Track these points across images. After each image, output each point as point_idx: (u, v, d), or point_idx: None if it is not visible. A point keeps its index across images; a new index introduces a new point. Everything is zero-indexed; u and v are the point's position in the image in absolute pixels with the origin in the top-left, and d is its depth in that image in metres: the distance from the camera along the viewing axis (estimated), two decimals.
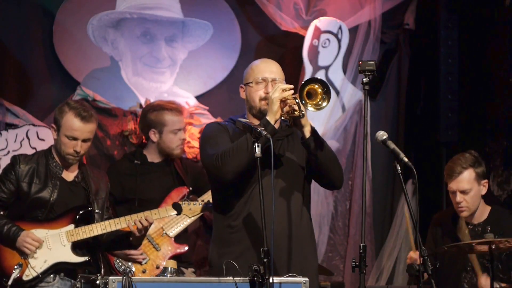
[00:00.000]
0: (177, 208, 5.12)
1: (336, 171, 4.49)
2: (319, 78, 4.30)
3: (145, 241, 5.84)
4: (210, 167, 4.42)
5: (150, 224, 5.03)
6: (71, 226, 5.01)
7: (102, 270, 5.11)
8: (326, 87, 4.27)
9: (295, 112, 4.28)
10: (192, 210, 5.22)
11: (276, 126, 4.33)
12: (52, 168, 5.08)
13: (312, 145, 4.36)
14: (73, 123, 5.03)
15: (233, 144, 4.34)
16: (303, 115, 4.26)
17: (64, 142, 5.05)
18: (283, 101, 4.30)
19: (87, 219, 5.06)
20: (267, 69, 4.53)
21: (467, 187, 5.23)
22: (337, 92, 7.05)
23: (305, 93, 4.24)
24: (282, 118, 4.37)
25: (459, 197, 5.24)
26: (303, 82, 4.28)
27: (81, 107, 5.11)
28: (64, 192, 5.07)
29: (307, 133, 4.35)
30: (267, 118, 4.29)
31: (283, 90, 4.30)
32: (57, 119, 5.09)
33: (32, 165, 5.06)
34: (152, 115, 6.08)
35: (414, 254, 5.27)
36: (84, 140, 5.07)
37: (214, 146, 4.40)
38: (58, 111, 5.11)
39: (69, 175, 5.14)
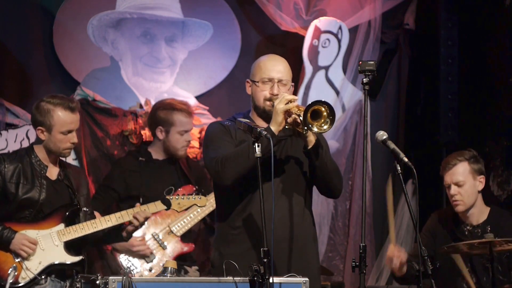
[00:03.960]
0: (166, 203, 5.13)
1: (336, 182, 4.50)
2: (328, 102, 4.27)
3: (152, 240, 5.84)
4: (210, 170, 4.45)
5: (147, 219, 5.03)
6: (61, 226, 4.97)
7: (86, 270, 5.06)
8: (332, 114, 4.24)
9: (299, 126, 4.28)
10: (181, 205, 5.21)
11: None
12: (36, 167, 5.02)
13: (313, 155, 4.36)
14: (67, 118, 4.98)
15: (235, 150, 4.33)
16: (306, 131, 4.26)
17: (60, 139, 4.99)
18: (287, 112, 4.30)
19: (74, 218, 5.03)
20: (274, 68, 4.50)
21: (461, 178, 5.22)
22: (337, 92, 7.05)
23: (310, 112, 4.22)
24: (286, 127, 4.37)
25: (453, 190, 5.23)
26: (311, 102, 4.25)
27: (65, 100, 5.02)
28: (50, 191, 5.02)
29: (310, 143, 4.35)
30: (271, 127, 4.27)
31: (288, 101, 4.29)
32: (43, 121, 4.98)
33: (17, 164, 4.99)
34: (161, 113, 6.07)
35: (393, 249, 5.16)
36: (76, 130, 5.05)
37: (216, 150, 4.40)
38: (40, 113, 4.98)
39: (53, 174, 5.08)
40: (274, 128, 4.27)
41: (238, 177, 4.31)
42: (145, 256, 5.77)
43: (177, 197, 5.20)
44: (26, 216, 4.96)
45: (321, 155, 4.36)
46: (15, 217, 4.96)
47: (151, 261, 5.80)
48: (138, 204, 5.12)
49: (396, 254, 5.11)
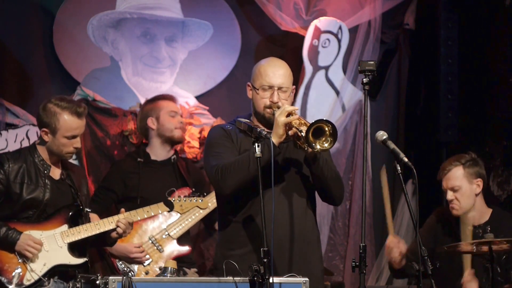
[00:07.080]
0: (169, 205, 5.11)
1: (337, 191, 4.48)
2: (331, 121, 4.26)
3: (148, 243, 5.84)
4: (210, 178, 4.45)
5: (132, 225, 4.97)
6: (65, 227, 4.92)
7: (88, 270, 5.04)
8: (335, 133, 4.23)
9: (300, 140, 4.26)
10: (183, 207, 5.20)
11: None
12: (40, 167, 4.97)
13: (314, 165, 4.35)
14: (72, 123, 4.92)
15: (235, 160, 4.31)
16: (307, 148, 4.25)
17: (63, 143, 4.93)
18: (288, 124, 4.29)
19: (77, 218, 4.99)
20: (275, 74, 4.45)
21: (456, 183, 5.23)
22: (337, 92, 7.05)
23: (312, 129, 4.21)
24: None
25: (449, 195, 5.24)
26: (315, 120, 4.24)
27: (73, 105, 4.97)
28: (54, 191, 4.97)
29: (308, 153, 4.34)
30: (272, 139, 4.24)
31: (289, 113, 4.28)
32: (48, 122, 4.92)
33: (21, 164, 4.93)
34: (148, 107, 6.20)
35: (393, 239, 5.25)
36: (81, 135, 5.00)
37: (217, 157, 4.38)
38: (47, 114, 4.92)
39: (56, 174, 5.02)
40: (275, 140, 4.25)
41: (237, 187, 4.30)
42: (142, 263, 5.77)
43: (179, 199, 5.19)
44: (30, 216, 4.92)
45: (318, 164, 4.35)
46: (18, 217, 4.91)
47: (148, 264, 5.80)
48: (122, 209, 5.07)
49: (395, 244, 5.13)
